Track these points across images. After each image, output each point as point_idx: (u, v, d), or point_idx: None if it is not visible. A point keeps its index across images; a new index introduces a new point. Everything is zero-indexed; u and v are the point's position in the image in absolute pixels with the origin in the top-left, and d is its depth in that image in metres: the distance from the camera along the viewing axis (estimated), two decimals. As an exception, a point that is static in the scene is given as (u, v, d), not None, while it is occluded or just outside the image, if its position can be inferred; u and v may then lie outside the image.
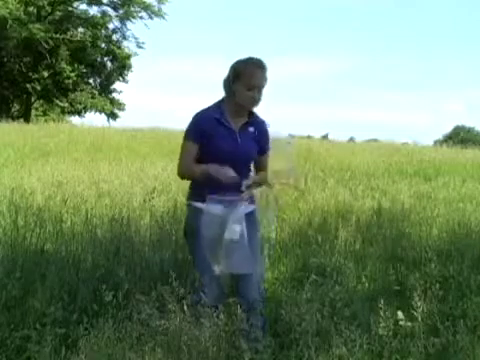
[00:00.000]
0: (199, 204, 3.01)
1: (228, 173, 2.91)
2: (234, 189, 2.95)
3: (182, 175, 3.12)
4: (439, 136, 45.18)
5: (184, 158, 3.06)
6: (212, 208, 2.93)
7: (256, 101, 3.02)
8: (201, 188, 3.00)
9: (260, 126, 3.13)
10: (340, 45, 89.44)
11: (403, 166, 12.21)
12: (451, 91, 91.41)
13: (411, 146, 19.37)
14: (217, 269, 2.89)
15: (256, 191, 3.24)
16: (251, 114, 3.10)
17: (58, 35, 30.67)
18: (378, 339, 2.73)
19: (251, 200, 3.11)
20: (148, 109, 64.04)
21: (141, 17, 32.41)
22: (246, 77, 2.97)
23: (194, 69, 79.26)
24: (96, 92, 34.22)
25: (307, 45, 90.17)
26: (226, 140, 3.00)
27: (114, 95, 35.60)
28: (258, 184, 3.19)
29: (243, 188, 2.99)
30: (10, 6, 28.48)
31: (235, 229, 2.91)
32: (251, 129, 3.09)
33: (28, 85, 32.33)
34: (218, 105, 3.07)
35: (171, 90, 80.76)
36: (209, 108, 3.07)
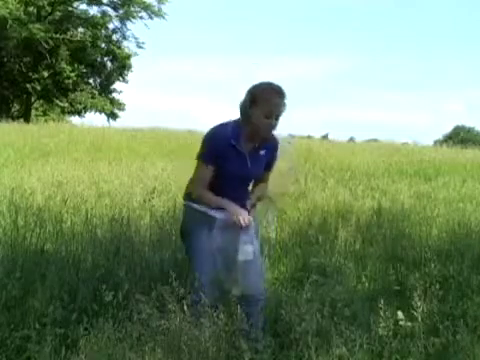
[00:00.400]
0: (197, 206, 3.02)
1: (244, 218, 2.88)
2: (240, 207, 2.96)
3: (197, 197, 3.04)
4: (439, 136, 45.22)
5: (200, 182, 3.00)
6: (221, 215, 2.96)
7: (273, 128, 2.97)
8: None
9: (271, 148, 3.10)
10: (340, 45, 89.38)
11: (403, 166, 12.21)
12: (451, 91, 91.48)
13: (411, 146, 19.37)
14: (236, 291, 2.88)
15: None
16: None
17: (58, 35, 30.66)
18: (378, 339, 2.73)
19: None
20: (148, 109, 64.03)
21: (141, 17, 32.43)
22: (264, 103, 2.88)
23: (194, 69, 79.27)
24: (96, 92, 34.21)
25: (307, 45, 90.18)
26: (236, 164, 2.98)
27: (114, 95, 35.61)
28: (260, 199, 3.20)
29: (248, 207, 3.01)
30: (10, 6, 28.47)
31: (248, 250, 2.92)
32: (262, 152, 3.06)
33: (28, 85, 32.33)
34: (235, 127, 2.98)
35: (171, 90, 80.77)
36: (226, 128, 2.97)
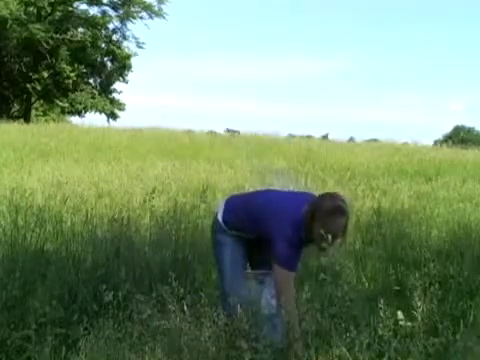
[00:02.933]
0: (230, 232, 3.06)
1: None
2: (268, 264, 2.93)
3: (289, 311, 2.82)
4: (439, 136, 45.07)
5: (292, 290, 2.92)
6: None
7: (326, 250, 2.88)
8: (240, 230, 3.04)
9: None
10: (340, 45, 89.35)
11: (403, 166, 12.22)
12: (451, 91, 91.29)
13: (411, 146, 19.37)
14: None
15: None
16: None
17: (58, 35, 30.65)
18: (378, 339, 2.73)
19: None
20: (148, 109, 64.12)
21: (141, 17, 32.42)
22: (333, 225, 2.80)
23: (194, 69, 79.25)
24: (96, 92, 34.20)
25: (307, 45, 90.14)
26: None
27: (114, 95, 35.61)
28: None
29: None
30: (11, 6, 28.45)
31: (272, 303, 2.94)
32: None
33: (28, 85, 32.32)
34: (299, 230, 2.88)
35: (171, 90, 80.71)
36: (298, 232, 2.87)
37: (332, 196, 2.95)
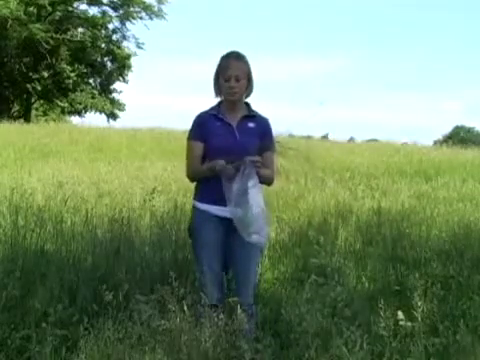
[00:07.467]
0: (202, 205, 3.06)
1: (229, 172, 2.89)
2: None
3: (191, 177, 3.16)
4: (439, 136, 45.05)
5: (190, 159, 3.13)
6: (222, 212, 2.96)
7: (232, 89, 3.01)
8: (207, 190, 3.04)
9: (262, 123, 3.14)
10: (340, 45, 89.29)
11: (403, 166, 12.20)
12: (451, 91, 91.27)
13: (411, 146, 19.34)
14: (245, 233, 2.90)
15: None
16: (250, 110, 3.11)
17: (58, 35, 30.63)
18: (378, 339, 2.73)
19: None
20: (148, 109, 64.03)
21: (141, 17, 32.39)
22: (223, 69, 3.04)
23: (194, 69, 79.24)
24: (96, 92, 34.20)
25: (307, 46, 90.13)
26: (224, 135, 3.03)
27: (114, 95, 35.59)
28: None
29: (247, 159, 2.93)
30: (11, 6, 28.43)
31: (258, 199, 2.90)
32: (251, 124, 3.08)
33: (28, 85, 32.32)
34: (216, 105, 3.14)
35: (171, 90, 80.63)
36: (208, 109, 3.14)
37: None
